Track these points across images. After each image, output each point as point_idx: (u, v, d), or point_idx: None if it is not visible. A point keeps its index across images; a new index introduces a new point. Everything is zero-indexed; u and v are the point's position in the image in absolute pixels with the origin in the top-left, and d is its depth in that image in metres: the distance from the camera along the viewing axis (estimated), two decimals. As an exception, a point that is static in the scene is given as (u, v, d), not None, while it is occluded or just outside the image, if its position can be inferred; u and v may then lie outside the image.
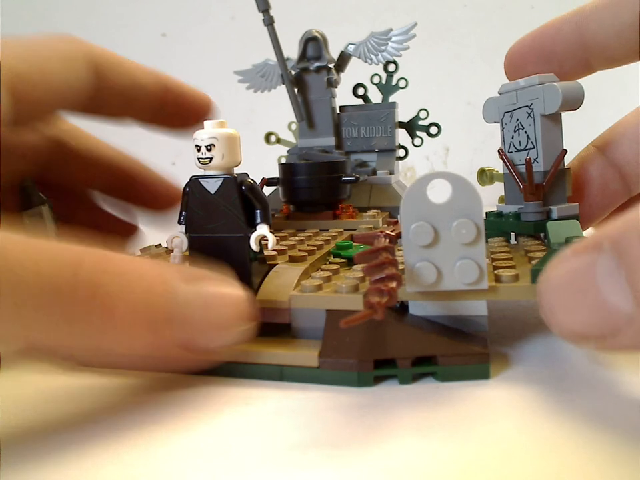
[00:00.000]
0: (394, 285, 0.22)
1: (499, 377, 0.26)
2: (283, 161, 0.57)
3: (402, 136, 0.54)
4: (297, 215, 0.44)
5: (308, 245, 0.35)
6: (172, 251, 0.29)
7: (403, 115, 0.53)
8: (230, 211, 0.28)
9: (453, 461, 0.19)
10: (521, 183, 0.34)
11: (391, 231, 0.27)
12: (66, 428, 0.23)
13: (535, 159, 0.34)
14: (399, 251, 0.28)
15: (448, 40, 0.94)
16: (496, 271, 0.27)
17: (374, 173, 0.51)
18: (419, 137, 0.54)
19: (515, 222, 0.35)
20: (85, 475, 0.20)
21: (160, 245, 0.44)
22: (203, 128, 0.28)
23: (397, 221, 0.29)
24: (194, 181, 0.28)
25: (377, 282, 0.23)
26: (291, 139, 0.58)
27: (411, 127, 0.54)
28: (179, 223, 0.29)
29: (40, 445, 0.22)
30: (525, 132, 0.35)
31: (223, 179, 0.28)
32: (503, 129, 0.37)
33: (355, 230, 0.42)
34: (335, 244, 0.36)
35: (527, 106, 0.34)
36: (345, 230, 0.41)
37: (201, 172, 0.28)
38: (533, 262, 0.28)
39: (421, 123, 0.53)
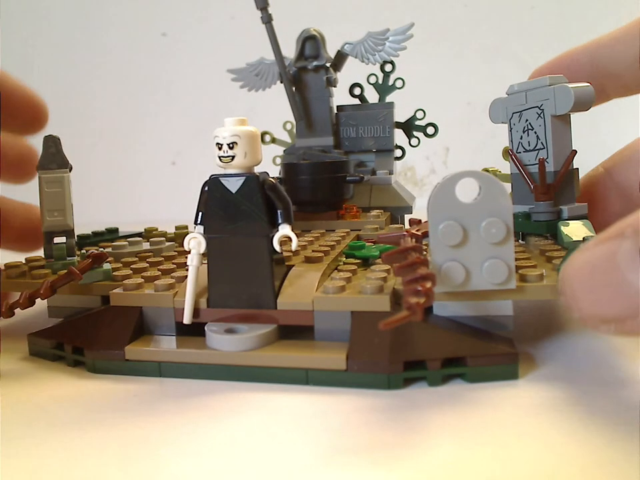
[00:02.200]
0: (429, 285, 0.22)
1: (527, 377, 0.25)
2: (279, 161, 0.57)
3: (398, 136, 0.54)
4: (300, 215, 0.44)
5: (320, 246, 0.34)
6: (189, 252, 0.28)
7: (403, 115, 0.53)
8: (252, 211, 0.27)
9: (490, 462, 0.19)
10: (532, 183, 0.34)
11: (416, 231, 0.27)
12: (75, 432, 0.22)
13: (545, 159, 0.34)
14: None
15: (448, 40, 0.94)
16: (520, 271, 0.27)
17: (373, 173, 0.50)
18: (416, 137, 0.53)
19: (526, 222, 0.35)
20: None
21: (166, 232, 0.43)
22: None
23: (421, 220, 0.29)
24: (214, 180, 0.27)
25: (410, 282, 0.22)
26: (286, 138, 0.58)
27: (408, 127, 0.53)
28: (196, 223, 0.28)
29: (50, 447, 0.21)
30: (535, 132, 0.35)
31: (245, 177, 0.27)
32: (511, 130, 0.37)
33: (359, 230, 0.41)
34: (346, 244, 0.36)
35: (537, 107, 0.34)
36: (351, 230, 0.41)
37: (220, 170, 0.28)
38: (554, 261, 0.28)
39: (417, 123, 0.53)
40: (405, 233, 0.27)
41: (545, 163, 0.34)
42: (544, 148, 0.34)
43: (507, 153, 0.39)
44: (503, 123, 0.37)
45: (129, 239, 0.40)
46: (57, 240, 0.34)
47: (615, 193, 0.37)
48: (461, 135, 0.95)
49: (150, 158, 0.97)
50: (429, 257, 0.25)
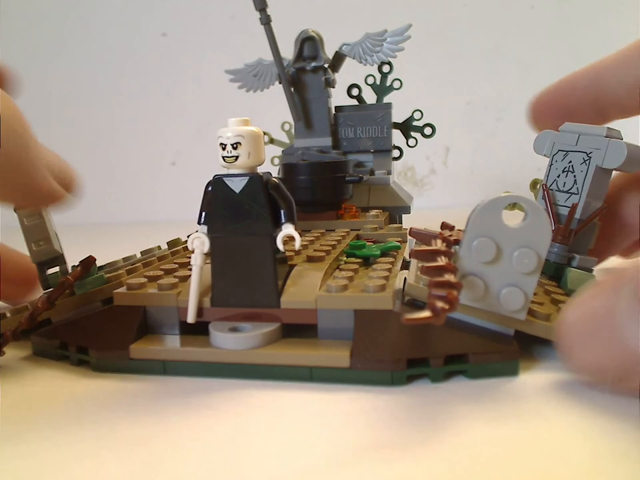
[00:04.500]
0: (456, 293, 0.22)
1: (528, 373, 0.26)
2: (277, 161, 0.57)
3: (396, 136, 0.54)
4: (299, 215, 0.44)
5: (321, 245, 0.35)
6: (192, 251, 0.28)
7: (403, 116, 0.53)
8: (255, 211, 0.27)
9: (496, 457, 0.19)
10: (555, 223, 0.35)
11: (449, 236, 0.27)
12: (80, 430, 0.23)
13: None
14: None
15: (448, 40, 0.95)
16: (530, 305, 0.27)
17: (372, 173, 0.51)
18: (414, 138, 0.54)
19: None
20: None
21: (160, 246, 0.43)
22: None
23: (454, 227, 0.29)
24: (217, 180, 0.28)
25: (437, 285, 0.23)
26: (284, 139, 0.58)
27: (406, 127, 0.54)
28: (199, 223, 0.28)
29: (52, 445, 0.21)
30: (574, 176, 0.35)
31: (248, 177, 0.27)
32: (551, 165, 0.37)
33: (359, 230, 0.42)
34: (347, 244, 0.36)
35: (585, 152, 0.34)
36: (350, 230, 0.41)
37: (223, 170, 0.28)
38: (560, 305, 0.29)
39: (415, 123, 0.54)
40: (437, 235, 0.27)
41: None
42: (577, 194, 0.35)
43: (535, 185, 0.39)
44: (544, 155, 0.37)
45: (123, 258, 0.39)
46: (50, 271, 0.34)
47: (613, 223, 0.37)
48: (461, 135, 0.96)
49: (150, 158, 0.97)
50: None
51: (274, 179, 0.28)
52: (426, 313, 0.21)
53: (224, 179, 0.28)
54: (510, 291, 0.25)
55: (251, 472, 0.19)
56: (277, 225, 0.28)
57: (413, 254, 0.26)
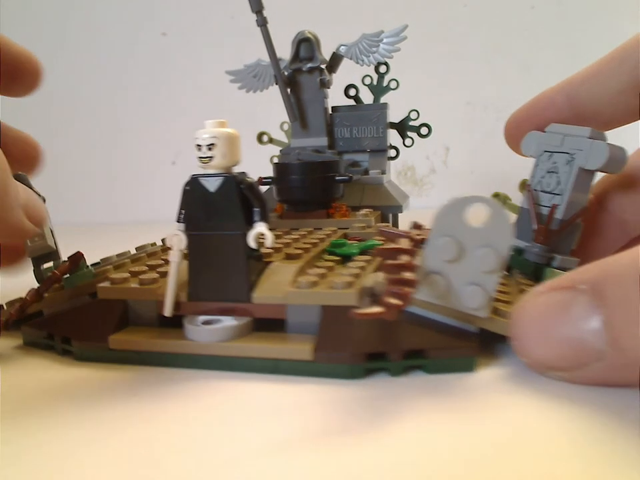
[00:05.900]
0: (409, 290, 0.23)
1: (485, 369, 0.27)
2: (276, 160, 0.58)
3: (394, 137, 0.55)
4: (290, 214, 0.45)
5: (303, 243, 0.36)
6: (170, 248, 0.30)
7: (403, 116, 0.54)
8: (229, 210, 0.28)
9: (446, 439, 0.20)
10: (537, 224, 0.35)
11: (417, 235, 0.28)
12: (65, 420, 0.24)
13: (557, 206, 0.35)
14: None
15: (448, 40, 0.95)
16: (495, 303, 0.28)
17: (366, 172, 0.52)
18: (410, 138, 0.55)
19: (517, 257, 0.36)
20: (82, 467, 0.21)
21: (155, 243, 0.45)
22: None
23: (423, 226, 0.30)
24: (194, 180, 0.29)
25: (393, 282, 0.24)
26: (283, 138, 0.59)
27: (402, 127, 0.55)
28: (178, 221, 0.30)
29: (39, 436, 0.23)
30: (558, 177, 0.35)
31: (223, 178, 0.28)
32: (536, 166, 0.37)
33: (347, 228, 0.43)
34: (330, 242, 0.37)
35: (569, 153, 0.35)
36: (339, 229, 0.42)
37: (201, 171, 0.29)
38: None
39: (411, 123, 0.54)
40: (404, 234, 0.28)
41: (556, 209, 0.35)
42: (560, 195, 0.35)
43: (524, 185, 0.40)
44: (531, 156, 0.38)
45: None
46: (45, 265, 0.36)
47: (610, 222, 0.37)
48: (461, 135, 0.96)
49: (150, 158, 0.99)
50: (419, 263, 0.26)
51: (248, 179, 0.29)
52: (377, 309, 0.22)
53: (200, 179, 0.29)
54: (471, 289, 0.26)
55: (207, 456, 0.21)
56: (250, 224, 0.29)
57: (376, 252, 0.27)
